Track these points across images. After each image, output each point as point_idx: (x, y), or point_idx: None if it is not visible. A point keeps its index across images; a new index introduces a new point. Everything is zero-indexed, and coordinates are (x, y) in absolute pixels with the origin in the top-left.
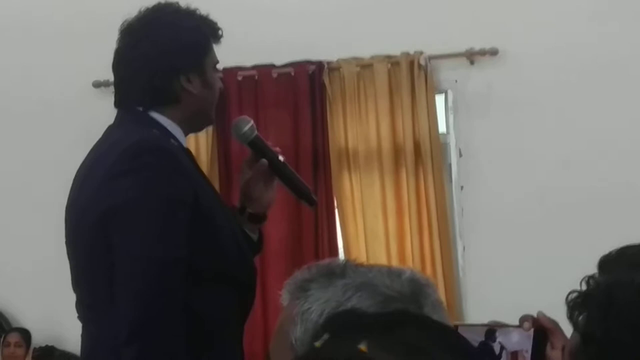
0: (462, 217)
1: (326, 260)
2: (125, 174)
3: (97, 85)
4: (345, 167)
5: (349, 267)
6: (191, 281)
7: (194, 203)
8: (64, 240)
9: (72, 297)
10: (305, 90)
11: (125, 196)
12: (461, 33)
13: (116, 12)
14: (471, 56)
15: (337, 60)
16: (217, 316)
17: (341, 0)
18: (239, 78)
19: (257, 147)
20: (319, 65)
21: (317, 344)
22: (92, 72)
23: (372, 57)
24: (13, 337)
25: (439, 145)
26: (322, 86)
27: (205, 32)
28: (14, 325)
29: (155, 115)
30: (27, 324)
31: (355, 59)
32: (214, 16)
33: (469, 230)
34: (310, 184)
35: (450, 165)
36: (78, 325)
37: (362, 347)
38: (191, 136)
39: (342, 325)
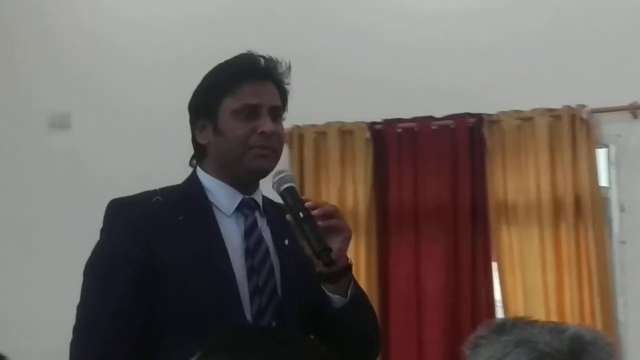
0: (623, 273)
1: (503, 317)
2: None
3: None
4: (504, 220)
5: (518, 324)
6: (157, 333)
7: (146, 259)
8: None
9: None
10: (465, 143)
11: None
12: (624, 87)
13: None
14: (635, 110)
15: (497, 113)
16: None
17: (502, 53)
18: (399, 130)
19: (285, 201)
20: (479, 118)
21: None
22: None
23: (533, 110)
24: None
25: (600, 200)
26: (482, 139)
27: (225, 75)
28: None
29: (199, 170)
30: None
31: (516, 112)
32: (377, 68)
33: (630, 286)
34: (468, 237)
35: (611, 219)
36: None
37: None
38: (349, 187)
39: (214, 342)
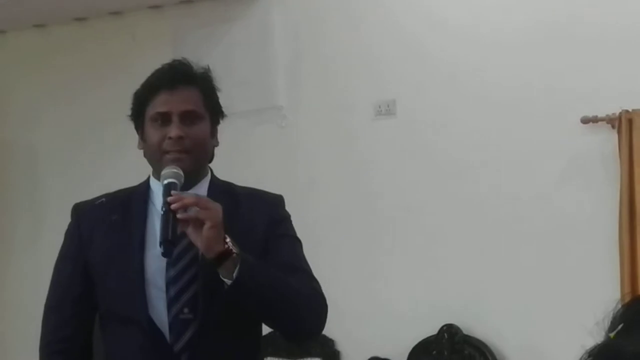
0: None
1: None
2: None
3: (585, 121)
4: None
5: None
6: (100, 322)
7: (80, 255)
8: None
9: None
10: None
11: None
12: None
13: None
14: None
15: None
16: (119, 354)
17: None
18: None
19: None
20: None
21: (612, 334)
22: (582, 108)
23: None
24: None
25: None
26: None
27: (145, 86)
28: None
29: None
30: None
31: None
32: None
33: None
34: None
35: None
36: None
37: None
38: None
39: (637, 316)
